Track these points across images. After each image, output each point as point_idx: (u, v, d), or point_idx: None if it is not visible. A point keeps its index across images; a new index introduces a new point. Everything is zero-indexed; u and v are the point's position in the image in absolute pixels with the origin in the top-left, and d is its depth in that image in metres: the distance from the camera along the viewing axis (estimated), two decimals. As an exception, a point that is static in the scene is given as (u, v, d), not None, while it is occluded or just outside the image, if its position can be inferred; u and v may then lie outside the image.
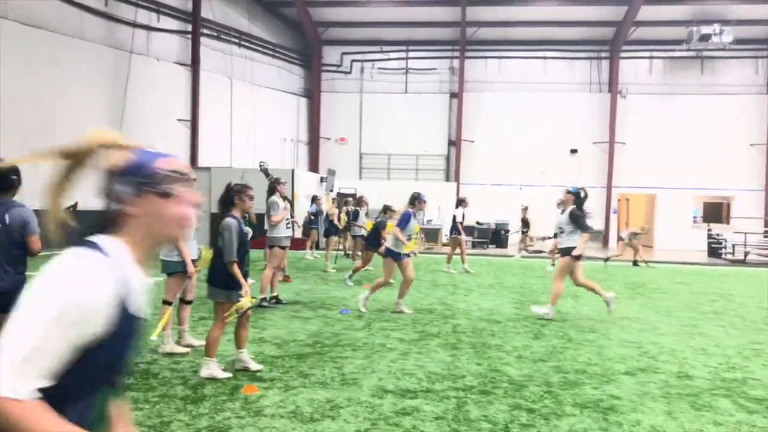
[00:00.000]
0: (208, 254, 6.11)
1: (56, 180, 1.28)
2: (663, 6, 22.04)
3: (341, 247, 14.94)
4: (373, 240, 10.93)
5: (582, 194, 8.23)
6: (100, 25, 17.53)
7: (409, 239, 8.18)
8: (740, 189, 23.43)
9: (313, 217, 14.59)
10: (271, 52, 23.91)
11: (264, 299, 8.17)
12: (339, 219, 13.96)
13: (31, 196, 4.74)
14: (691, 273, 14.95)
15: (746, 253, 19.09)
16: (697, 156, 23.23)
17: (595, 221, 23.97)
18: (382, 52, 25.04)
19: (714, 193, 23.97)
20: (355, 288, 10.24)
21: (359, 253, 13.24)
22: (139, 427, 3.85)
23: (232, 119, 22.01)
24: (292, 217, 8.67)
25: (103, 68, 17.43)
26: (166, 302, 5.79)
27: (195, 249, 5.85)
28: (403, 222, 8.16)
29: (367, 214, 13.87)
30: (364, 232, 13.37)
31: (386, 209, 10.84)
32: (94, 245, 1.25)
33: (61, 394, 1.15)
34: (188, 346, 5.92)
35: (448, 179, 24.68)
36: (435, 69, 25.04)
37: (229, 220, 4.96)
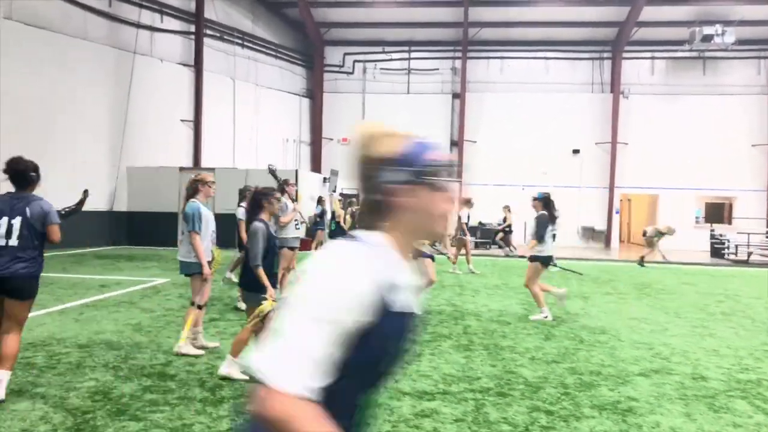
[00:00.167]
0: (220, 256, 6.13)
1: None
2: (665, 6, 22.07)
3: None
4: None
5: (550, 198, 8.36)
6: (103, 25, 17.52)
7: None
8: (742, 189, 23.46)
9: (318, 218, 14.58)
10: (273, 53, 23.90)
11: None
12: (344, 220, 13.96)
13: (50, 192, 4.82)
14: (696, 273, 14.96)
15: (749, 254, 19.11)
16: (699, 156, 23.26)
17: (597, 222, 24.07)
18: (384, 52, 25.04)
19: (716, 194, 24.00)
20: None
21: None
22: (161, 430, 3.86)
23: (235, 120, 22.01)
24: (301, 217, 8.67)
25: (106, 69, 17.42)
26: (193, 304, 5.84)
27: (210, 251, 5.85)
28: None
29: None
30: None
31: None
32: (358, 239, 1.21)
33: (326, 394, 1.12)
34: (202, 347, 5.92)
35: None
36: (437, 69, 25.06)
37: (257, 224, 4.99)
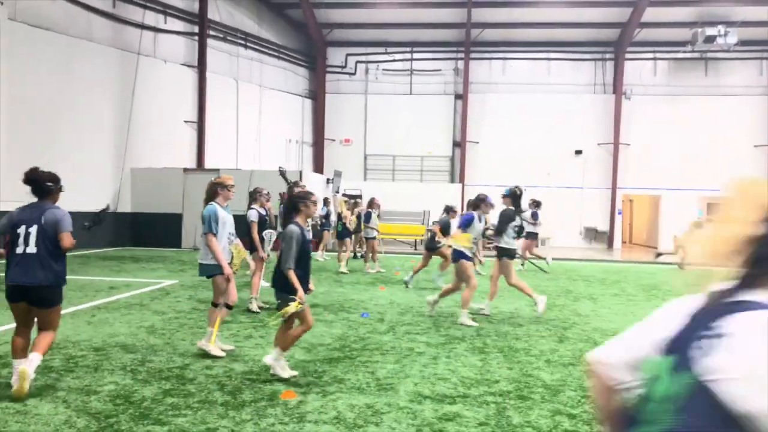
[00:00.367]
0: (239, 256, 6.14)
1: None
2: (668, 7, 22.11)
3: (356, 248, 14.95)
4: (430, 242, 11.07)
5: (518, 192, 8.49)
6: (107, 26, 17.51)
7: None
8: (745, 190, 23.45)
9: (324, 219, 14.58)
10: (276, 54, 23.89)
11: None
12: (350, 221, 13.95)
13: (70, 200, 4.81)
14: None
15: (752, 254, 19.11)
16: (701, 157, 23.27)
17: (599, 222, 24.10)
18: (386, 53, 25.04)
19: (718, 194, 23.98)
20: (372, 290, 10.25)
21: (371, 254, 13.25)
22: (187, 435, 3.85)
23: (238, 121, 21.99)
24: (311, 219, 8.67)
25: (110, 70, 17.41)
26: (215, 305, 5.85)
27: (228, 252, 5.86)
28: (463, 224, 8.09)
29: (378, 216, 13.86)
30: (376, 234, 13.37)
31: (449, 210, 10.75)
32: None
33: None
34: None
35: (452, 180, 24.69)
36: (440, 70, 25.06)
37: (292, 227, 4.99)
